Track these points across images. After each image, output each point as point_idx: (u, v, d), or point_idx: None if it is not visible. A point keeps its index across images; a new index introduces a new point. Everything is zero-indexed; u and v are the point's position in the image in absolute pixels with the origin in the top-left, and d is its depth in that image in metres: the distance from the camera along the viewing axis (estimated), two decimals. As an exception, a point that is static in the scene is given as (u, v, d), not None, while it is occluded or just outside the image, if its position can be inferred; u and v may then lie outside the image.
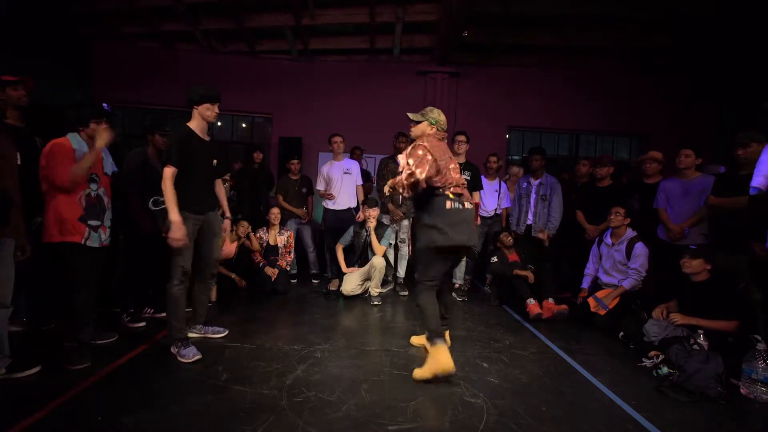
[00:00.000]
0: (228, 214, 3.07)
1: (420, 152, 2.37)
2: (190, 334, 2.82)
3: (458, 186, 2.48)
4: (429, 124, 2.55)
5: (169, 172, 2.48)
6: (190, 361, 2.48)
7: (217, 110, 2.64)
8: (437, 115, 2.57)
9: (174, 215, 2.45)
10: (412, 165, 2.35)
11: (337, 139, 4.56)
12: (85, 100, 2.67)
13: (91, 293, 2.58)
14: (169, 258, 2.57)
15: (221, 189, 2.99)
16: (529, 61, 6.44)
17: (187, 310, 2.71)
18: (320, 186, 4.64)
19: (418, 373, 2.34)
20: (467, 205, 2.45)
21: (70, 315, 2.48)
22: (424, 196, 2.47)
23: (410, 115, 2.64)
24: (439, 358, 2.30)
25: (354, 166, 4.68)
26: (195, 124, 2.63)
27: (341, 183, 4.57)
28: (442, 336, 2.42)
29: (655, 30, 5.45)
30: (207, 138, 2.71)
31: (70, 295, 2.46)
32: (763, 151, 2.55)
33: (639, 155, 6.74)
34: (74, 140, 2.47)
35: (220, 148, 3.01)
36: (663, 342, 2.71)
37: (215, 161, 2.77)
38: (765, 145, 2.57)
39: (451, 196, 2.42)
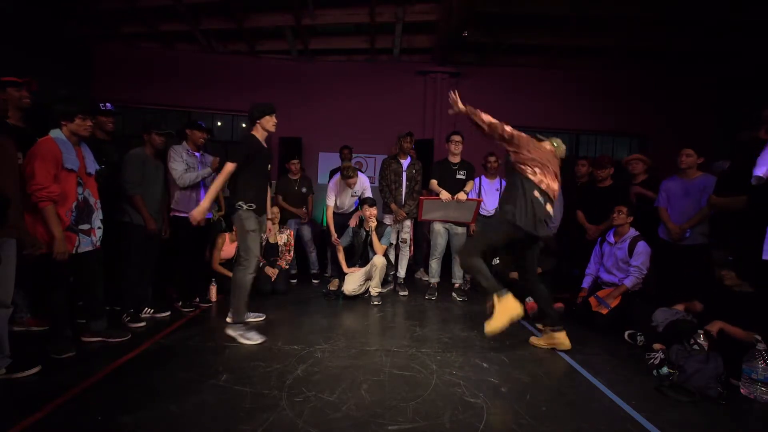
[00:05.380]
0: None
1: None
2: (229, 320, 3.05)
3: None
4: (551, 144, 2.93)
5: (230, 167, 2.81)
6: (255, 342, 2.78)
7: (275, 119, 2.99)
8: (561, 143, 2.97)
9: (206, 202, 2.85)
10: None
11: (353, 181, 4.37)
12: (70, 96, 2.68)
13: (97, 292, 2.69)
14: (172, 258, 2.61)
15: (268, 191, 3.28)
16: (529, 61, 6.44)
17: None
18: (330, 202, 4.52)
19: (492, 325, 2.62)
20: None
21: (51, 314, 2.55)
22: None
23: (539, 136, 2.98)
24: (509, 305, 2.64)
25: (359, 188, 4.55)
26: (258, 134, 2.97)
27: (348, 201, 4.64)
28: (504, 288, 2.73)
29: (655, 30, 5.44)
30: (266, 146, 3.05)
31: (49, 296, 2.51)
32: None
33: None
34: (58, 137, 2.47)
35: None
36: (669, 326, 2.71)
37: (270, 166, 3.11)
38: None
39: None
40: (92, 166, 2.70)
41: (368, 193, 4.58)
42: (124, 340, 2.76)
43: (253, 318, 3.28)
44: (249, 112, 2.98)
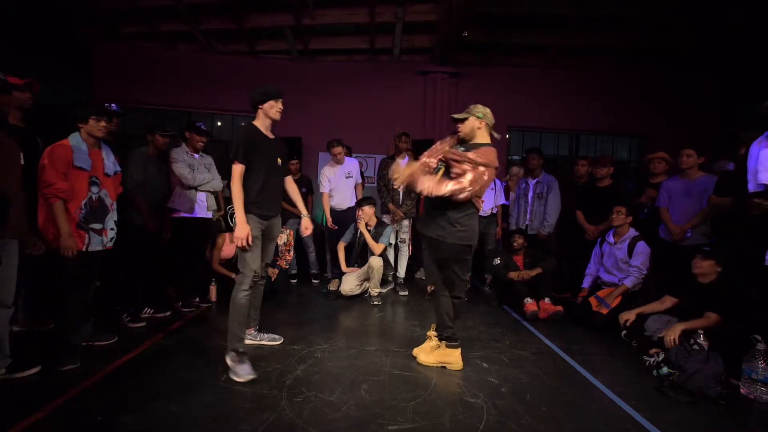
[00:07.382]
0: (305, 212, 2.92)
1: (486, 178, 2.32)
2: (245, 341, 2.62)
3: None
4: (476, 118, 2.49)
5: (237, 169, 2.43)
6: (242, 380, 2.25)
7: (281, 106, 2.62)
8: (482, 108, 2.52)
9: (240, 214, 2.39)
10: (467, 182, 2.27)
11: (338, 150, 4.49)
12: (87, 101, 2.66)
13: (86, 294, 2.60)
14: (171, 259, 2.55)
15: (293, 187, 2.89)
16: (529, 61, 6.43)
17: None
18: (326, 189, 4.58)
19: (424, 359, 2.61)
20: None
21: (62, 315, 2.51)
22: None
23: (455, 115, 2.56)
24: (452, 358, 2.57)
25: (354, 168, 4.69)
26: (260, 123, 2.59)
27: (343, 185, 4.61)
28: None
29: (655, 30, 5.44)
30: (272, 136, 2.65)
31: (63, 296, 2.48)
32: (753, 147, 2.54)
33: (639, 155, 6.76)
34: (73, 139, 2.48)
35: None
36: (663, 338, 2.71)
37: (280, 160, 2.67)
38: (754, 142, 2.56)
39: None
40: (111, 168, 2.69)
41: (358, 178, 4.67)
42: (110, 343, 2.72)
43: (267, 341, 2.83)
44: (250, 95, 2.59)
